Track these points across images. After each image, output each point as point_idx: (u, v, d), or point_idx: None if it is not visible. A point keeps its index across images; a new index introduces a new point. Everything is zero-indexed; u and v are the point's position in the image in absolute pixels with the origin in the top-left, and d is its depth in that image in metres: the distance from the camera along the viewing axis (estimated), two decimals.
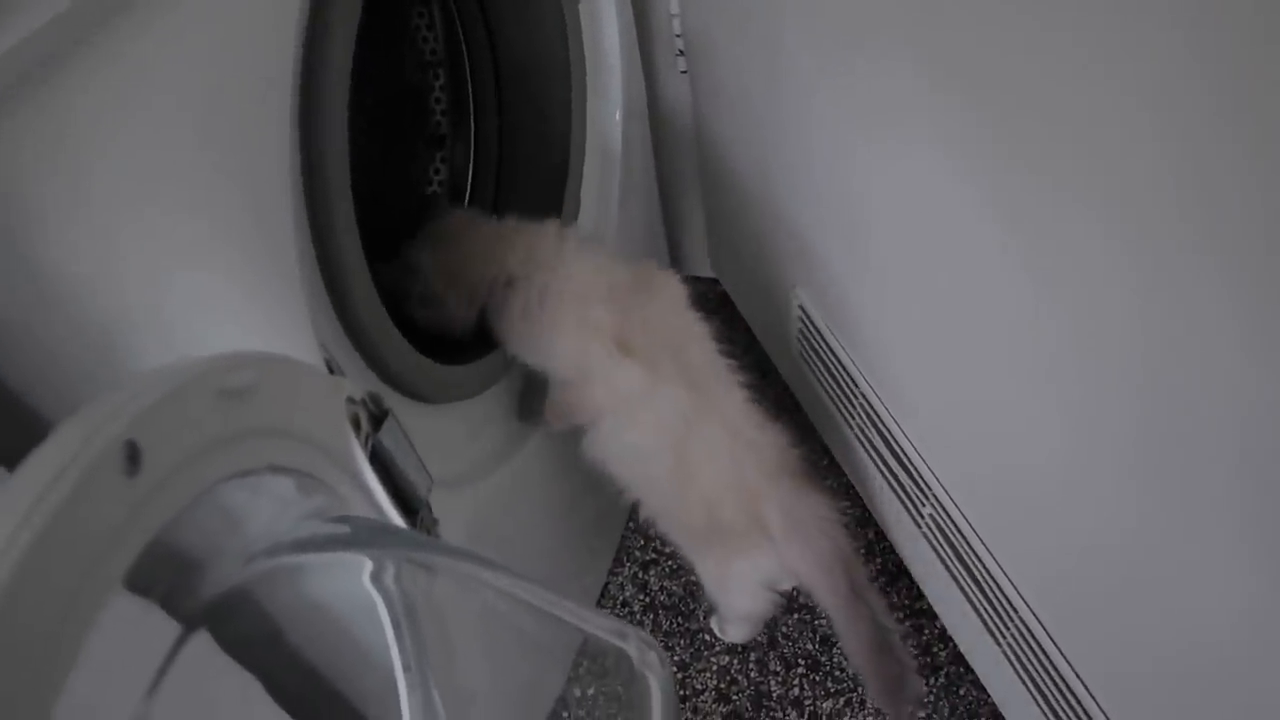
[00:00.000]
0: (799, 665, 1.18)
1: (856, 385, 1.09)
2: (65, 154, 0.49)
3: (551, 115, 1.09)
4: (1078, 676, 0.82)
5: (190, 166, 0.54)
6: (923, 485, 1.00)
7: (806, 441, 0.98)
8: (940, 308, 0.84)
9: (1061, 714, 0.87)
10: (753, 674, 1.18)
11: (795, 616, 1.22)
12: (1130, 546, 0.69)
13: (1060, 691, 0.85)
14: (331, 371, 0.65)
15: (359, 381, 0.71)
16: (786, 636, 1.21)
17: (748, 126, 1.17)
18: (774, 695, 1.16)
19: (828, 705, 1.15)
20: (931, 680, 1.14)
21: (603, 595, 1.28)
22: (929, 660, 1.16)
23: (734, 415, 0.92)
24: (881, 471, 1.12)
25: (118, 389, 0.37)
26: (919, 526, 1.06)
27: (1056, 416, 0.72)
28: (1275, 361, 0.50)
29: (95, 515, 0.35)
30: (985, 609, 0.96)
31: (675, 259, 1.57)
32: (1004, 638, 0.94)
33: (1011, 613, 0.89)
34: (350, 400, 0.54)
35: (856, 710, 1.13)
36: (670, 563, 1.29)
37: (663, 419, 0.90)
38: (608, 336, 0.89)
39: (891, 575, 1.24)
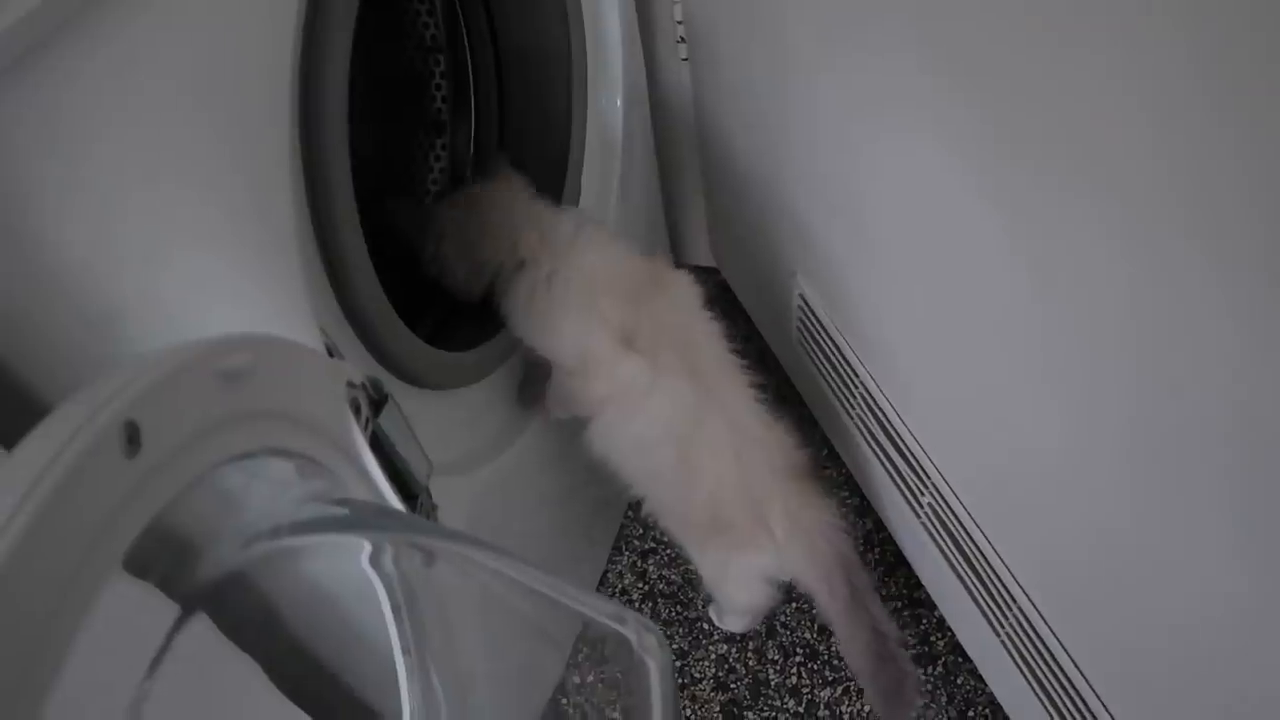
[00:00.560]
0: (797, 654, 1.19)
1: (856, 374, 1.09)
2: (63, 135, 0.49)
3: (552, 101, 1.08)
4: (1075, 665, 0.82)
5: (188, 147, 0.54)
6: (922, 474, 1.00)
7: (805, 431, 0.97)
8: (940, 297, 0.84)
9: (1059, 703, 0.87)
10: (751, 662, 1.19)
11: (793, 605, 1.22)
12: (1127, 535, 0.69)
13: (1057, 680, 0.85)
14: (331, 356, 0.65)
15: (359, 366, 0.71)
16: (785, 625, 1.21)
17: (749, 114, 1.16)
18: (772, 684, 1.17)
19: (825, 694, 1.15)
20: (929, 669, 1.15)
21: (601, 583, 1.28)
22: (927, 649, 1.17)
23: (741, 413, 0.92)
24: (881, 461, 1.12)
25: (117, 370, 0.36)
26: (918, 516, 1.06)
27: (1055, 406, 0.72)
28: (1270, 352, 0.50)
29: (94, 496, 0.34)
30: (983, 598, 0.96)
31: (675, 247, 1.57)
32: (1002, 627, 0.94)
33: (1010, 602, 0.89)
34: (350, 385, 0.54)
35: (854, 698, 1.14)
36: (669, 551, 1.30)
37: (665, 412, 0.90)
38: (612, 328, 0.89)
39: (890, 565, 1.24)
